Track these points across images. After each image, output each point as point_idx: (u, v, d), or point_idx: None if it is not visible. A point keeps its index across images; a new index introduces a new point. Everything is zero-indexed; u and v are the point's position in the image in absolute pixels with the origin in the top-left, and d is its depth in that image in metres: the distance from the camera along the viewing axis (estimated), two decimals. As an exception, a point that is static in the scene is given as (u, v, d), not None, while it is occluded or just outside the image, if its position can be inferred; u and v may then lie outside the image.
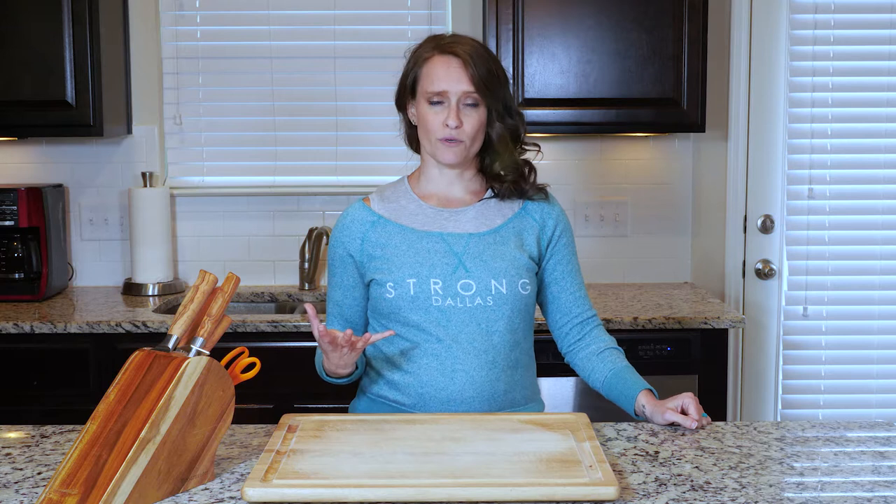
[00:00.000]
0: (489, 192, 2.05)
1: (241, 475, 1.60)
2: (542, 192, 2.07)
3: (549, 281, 2.08)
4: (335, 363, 1.90)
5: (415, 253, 1.97)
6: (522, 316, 2.00)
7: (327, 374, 1.99)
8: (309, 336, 2.83)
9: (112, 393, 1.52)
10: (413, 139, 2.10)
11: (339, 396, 2.40)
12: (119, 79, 3.34)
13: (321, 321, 1.86)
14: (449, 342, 1.94)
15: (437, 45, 1.99)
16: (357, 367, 1.97)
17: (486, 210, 2.04)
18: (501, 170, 2.01)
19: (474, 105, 1.96)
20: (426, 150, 2.02)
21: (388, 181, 2.13)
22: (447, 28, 3.42)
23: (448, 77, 1.95)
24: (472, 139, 1.97)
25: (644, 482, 1.57)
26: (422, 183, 2.07)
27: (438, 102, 1.96)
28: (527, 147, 2.07)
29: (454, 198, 2.05)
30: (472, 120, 1.96)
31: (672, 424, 1.86)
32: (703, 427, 1.85)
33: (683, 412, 1.87)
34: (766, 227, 3.45)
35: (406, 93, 2.03)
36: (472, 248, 1.98)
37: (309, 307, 1.83)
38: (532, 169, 2.06)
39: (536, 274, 2.05)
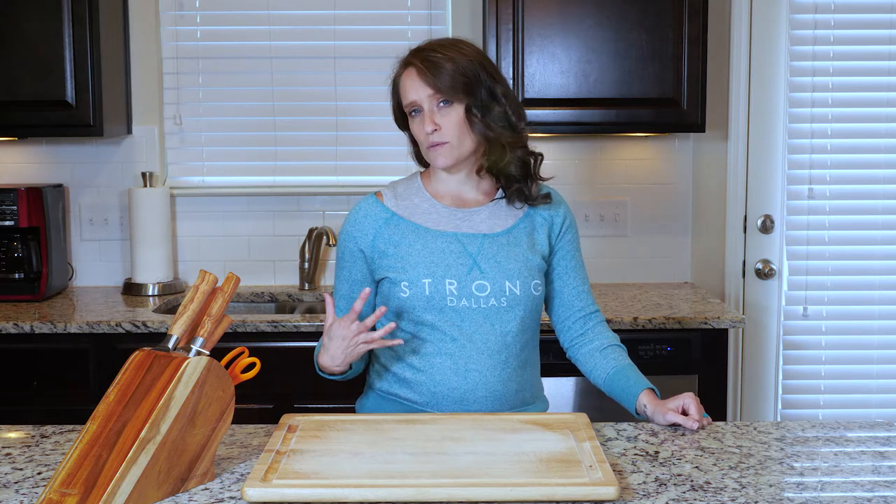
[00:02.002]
0: (500, 193, 2.06)
1: (241, 475, 1.60)
2: (546, 199, 2.06)
3: (553, 276, 2.08)
4: (334, 355, 1.89)
5: (429, 253, 1.97)
6: (533, 316, 2.02)
7: (321, 370, 1.99)
8: (309, 336, 2.84)
9: (112, 393, 1.52)
10: (418, 155, 2.11)
11: (339, 396, 2.40)
12: (119, 79, 3.34)
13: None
14: (463, 342, 1.95)
15: (402, 59, 2.02)
16: (351, 367, 1.98)
17: (497, 210, 2.04)
18: (495, 161, 1.99)
19: (448, 103, 1.96)
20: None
21: (387, 181, 2.14)
22: (447, 28, 3.42)
23: (412, 87, 1.97)
24: (455, 137, 1.96)
25: (644, 482, 1.57)
26: (434, 182, 2.07)
27: (417, 112, 1.99)
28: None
29: (467, 198, 2.05)
30: (448, 119, 1.96)
31: (673, 425, 1.86)
32: (703, 427, 1.85)
33: (684, 412, 1.87)
34: (766, 227, 3.45)
35: (399, 114, 2.06)
36: (486, 249, 1.98)
37: (328, 296, 1.90)
38: (536, 160, 2.04)
39: (545, 273, 2.05)
